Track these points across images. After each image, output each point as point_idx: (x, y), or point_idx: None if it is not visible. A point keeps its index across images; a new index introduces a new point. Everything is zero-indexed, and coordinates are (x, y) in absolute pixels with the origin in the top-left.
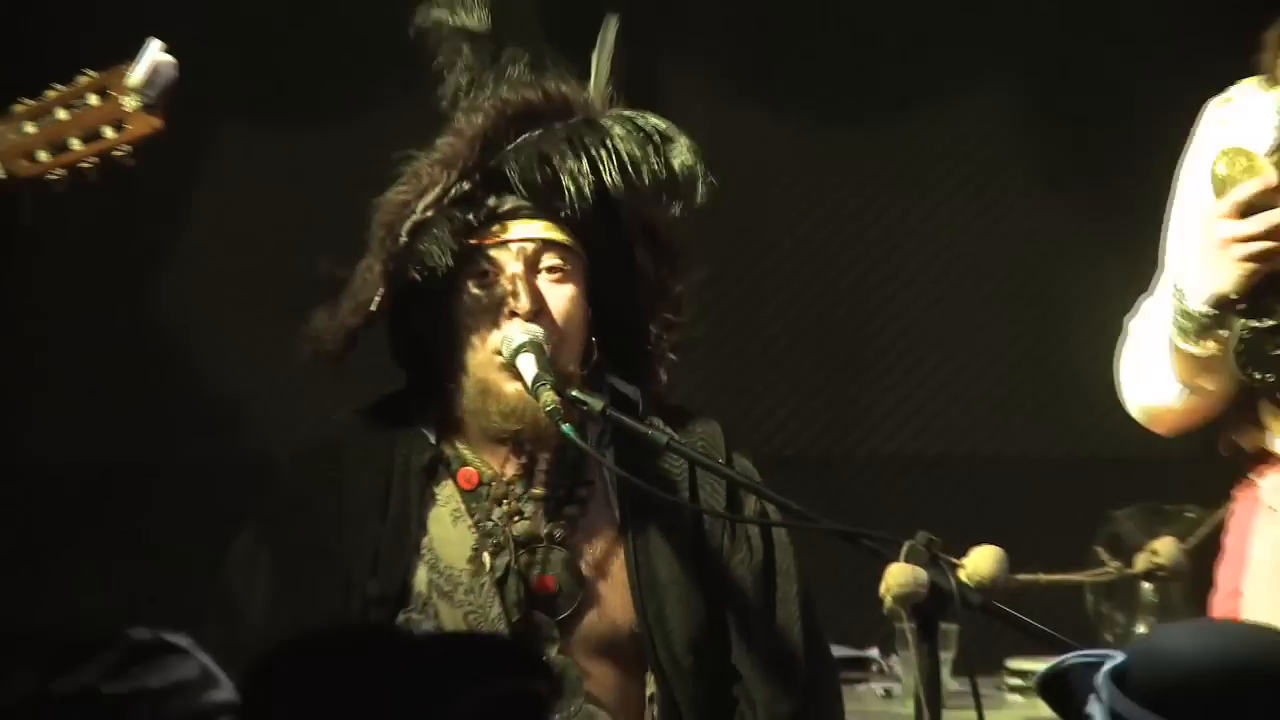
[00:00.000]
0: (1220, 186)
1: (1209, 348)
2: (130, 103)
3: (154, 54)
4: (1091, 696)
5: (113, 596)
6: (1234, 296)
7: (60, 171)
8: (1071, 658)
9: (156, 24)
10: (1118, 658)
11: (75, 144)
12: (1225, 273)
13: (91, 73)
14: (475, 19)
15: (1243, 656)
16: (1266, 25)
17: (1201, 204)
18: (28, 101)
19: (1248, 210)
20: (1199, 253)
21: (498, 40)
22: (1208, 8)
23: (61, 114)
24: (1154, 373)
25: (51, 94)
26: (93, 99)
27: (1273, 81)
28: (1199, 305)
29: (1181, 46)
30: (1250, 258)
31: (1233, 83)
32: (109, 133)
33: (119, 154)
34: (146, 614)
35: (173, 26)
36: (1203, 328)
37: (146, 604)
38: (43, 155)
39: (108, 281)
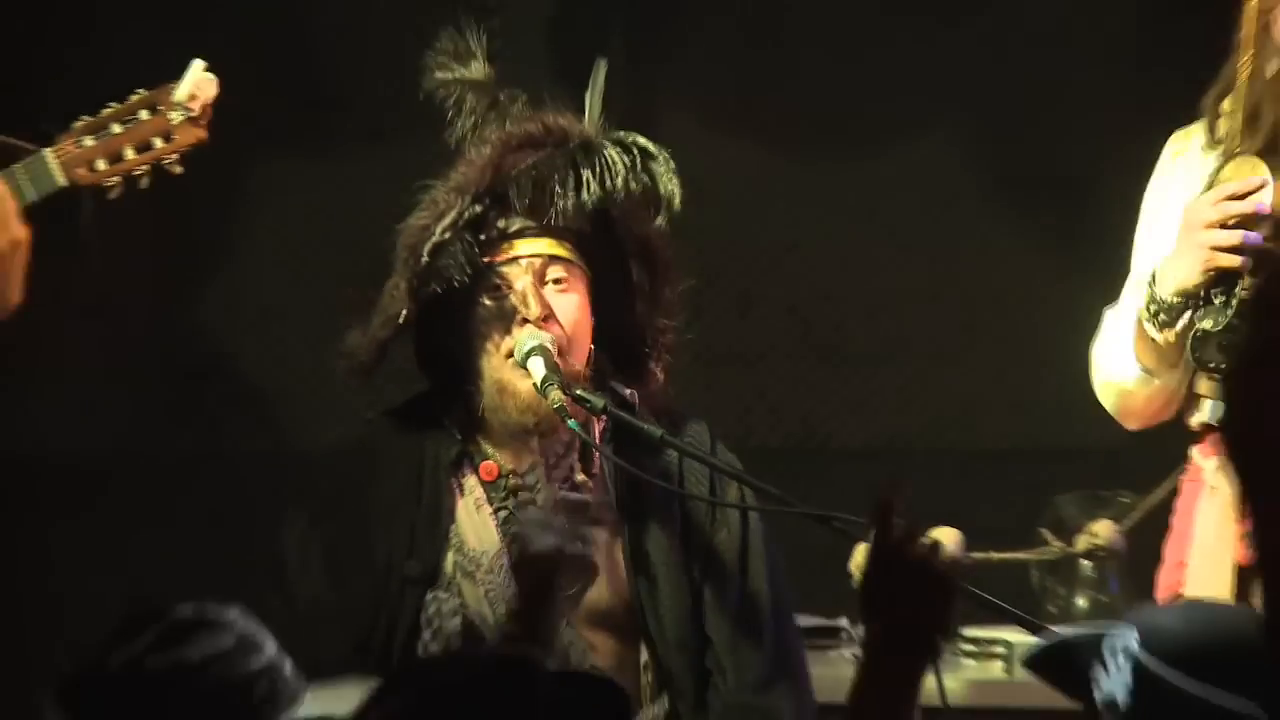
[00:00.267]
0: (1217, 185)
1: (1169, 336)
2: (177, 117)
3: (196, 73)
4: (1098, 667)
5: (156, 582)
6: (1198, 288)
7: (116, 179)
8: (1069, 635)
9: (200, 47)
10: (1119, 636)
11: (129, 154)
12: (1194, 264)
13: (142, 91)
14: (474, 70)
15: (1229, 631)
16: (1204, 67)
17: (1172, 211)
18: (87, 117)
19: (1230, 218)
20: (1175, 245)
21: (496, 85)
22: (1147, 54)
23: (116, 128)
24: (1119, 353)
25: (107, 110)
26: (144, 114)
27: (1212, 144)
28: (1167, 293)
29: (1121, 91)
30: (1219, 248)
31: (1170, 122)
32: (159, 144)
33: (168, 163)
34: (190, 595)
35: (215, 53)
36: (1168, 315)
37: (191, 588)
38: (100, 164)
39: (159, 285)
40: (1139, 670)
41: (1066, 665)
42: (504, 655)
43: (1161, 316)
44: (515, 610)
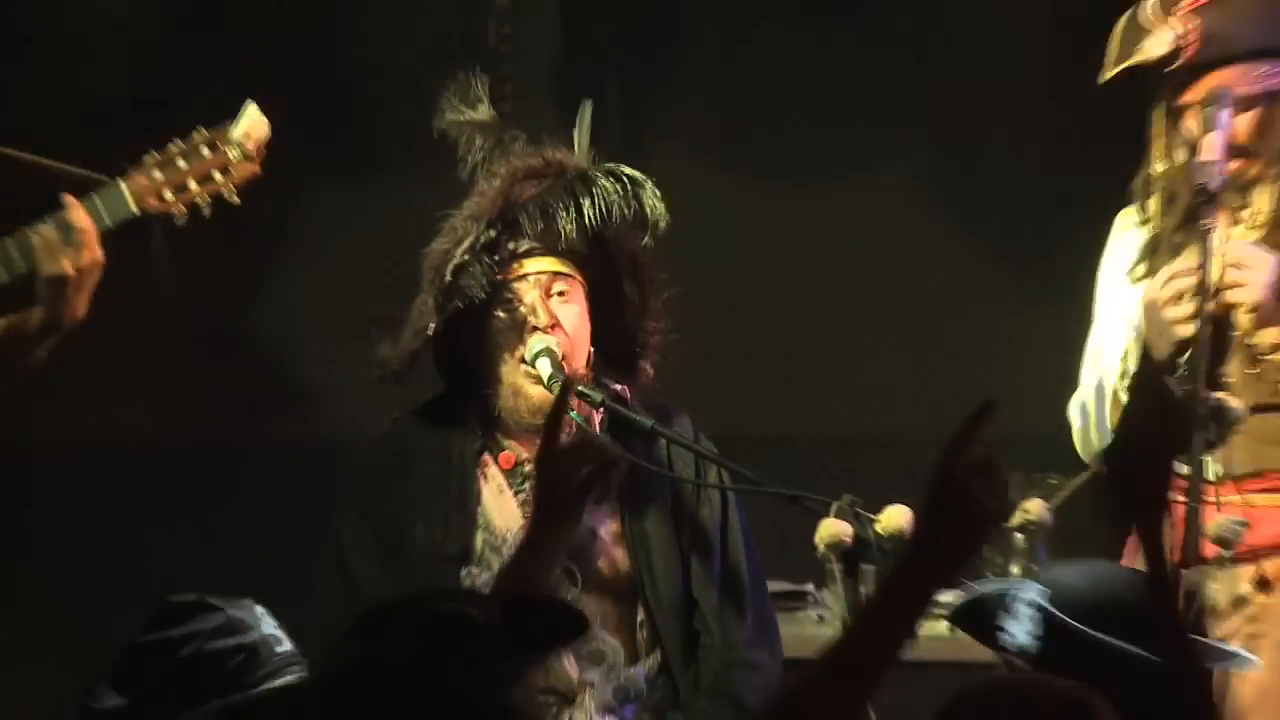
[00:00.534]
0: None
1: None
2: (234, 153)
3: (250, 114)
4: (1006, 618)
5: (205, 565)
6: (1169, 359)
7: (181, 208)
8: (983, 591)
9: (254, 89)
10: (1024, 591)
11: (192, 186)
12: (1160, 339)
13: (203, 129)
14: (480, 113)
15: (1120, 588)
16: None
17: (1130, 295)
18: (155, 153)
19: (1180, 294)
20: (1144, 325)
21: (499, 125)
22: (1094, 100)
23: (181, 163)
24: (1096, 418)
25: (173, 147)
26: (205, 151)
27: (1143, 219)
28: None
29: (1062, 130)
30: (1177, 320)
31: (1113, 165)
32: (218, 177)
33: (226, 194)
34: (229, 580)
35: (266, 94)
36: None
37: (231, 573)
38: (168, 195)
39: (217, 294)
40: (1047, 621)
41: (983, 619)
42: (448, 606)
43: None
44: (529, 529)
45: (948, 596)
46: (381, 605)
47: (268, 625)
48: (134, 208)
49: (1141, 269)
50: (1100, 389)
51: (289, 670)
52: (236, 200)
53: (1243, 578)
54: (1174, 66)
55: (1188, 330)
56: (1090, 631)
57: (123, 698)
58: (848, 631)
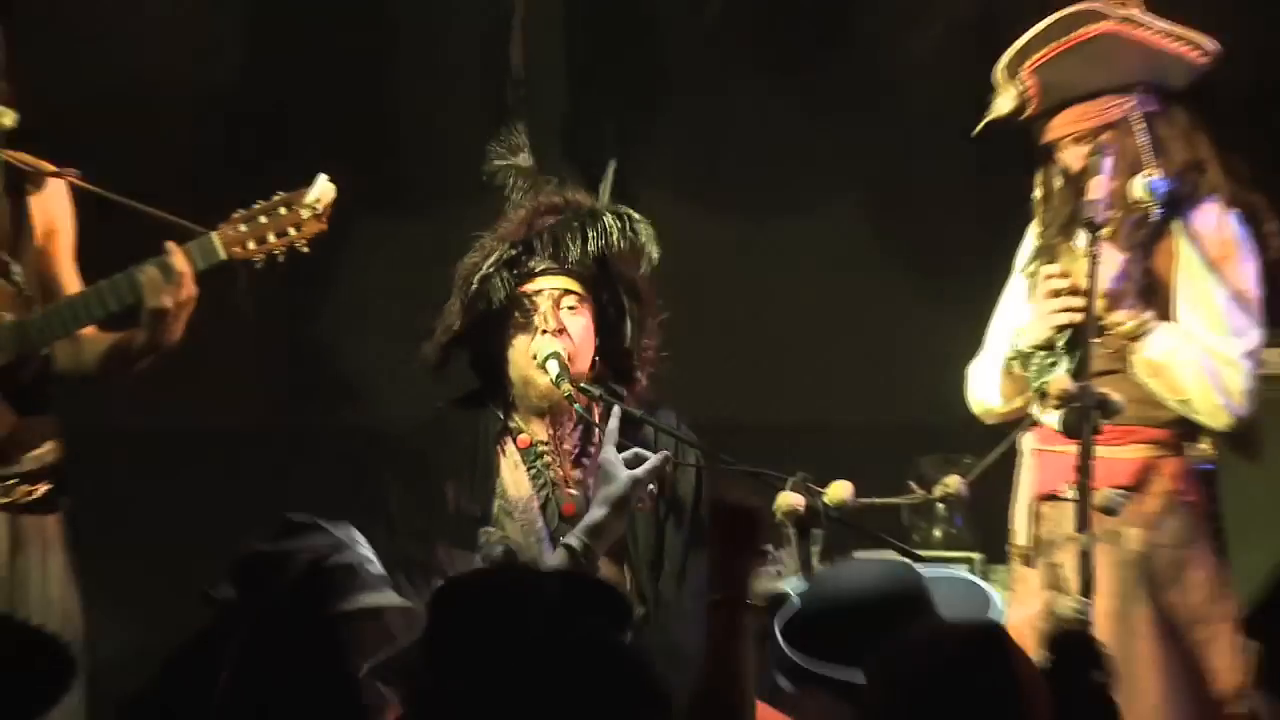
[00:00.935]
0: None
1: (1020, 373)
2: (306, 214)
3: (321, 183)
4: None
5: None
6: (1047, 341)
7: (261, 256)
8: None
9: (324, 143)
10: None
11: (271, 238)
12: (1041, 326)
13: (281, 193)
14: (522, 159)
15: (844, 601)
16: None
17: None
18: (242, 210)
19: (1055, 293)
20: (1030, 314)
21: (535, 170)
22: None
23: (263, 219)
24: (989, 385)
25: (257, 206)
26: (282, 210)
27: (1038, 231)
28: (1026, 345)
29: (973, 171)
30: (1055, 312)
31: (1014, 200)
32: (292, 231)
33: (298, 245)
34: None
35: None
36: (1023, 361)
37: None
38: (251, 245)
39: (285, 305)
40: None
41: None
42: (518, 571)
43: (1019, 361)
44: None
45: (888, 555)
46: (465, 578)
47: (364, 548)
48: (223, 255)
49: (1031, 268)
50: (992, 358)
51: (380, 588)
52: (306, 250)
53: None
54: (1025, 116)
55: (1061, 321)
56: (808, 660)
57: (237, 593)
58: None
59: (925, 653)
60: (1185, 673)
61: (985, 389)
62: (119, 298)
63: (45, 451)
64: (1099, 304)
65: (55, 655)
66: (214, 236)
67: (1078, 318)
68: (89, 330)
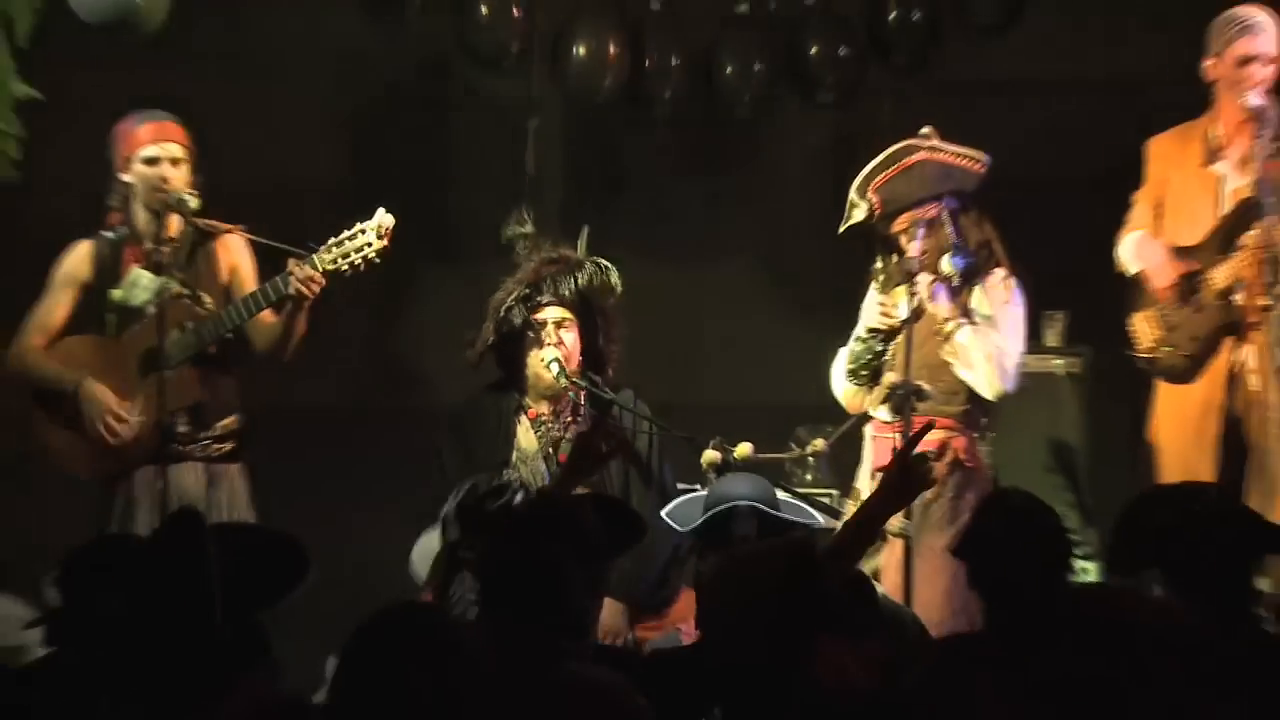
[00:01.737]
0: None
1: (862, 369)
2: (373, 235)
3: (382, 213)
4: (734, 523)
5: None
6: (872, 333)
7: (347, 269)
8: (711, 513)
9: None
10: (737, 504)
11: (353, 256)
12: (872, 321)
13: (358, 224)
14: (529, 229)
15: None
16: None
17: (871, 308)
18: (334, 238)
19: (886, 311)
20: (868, 320)
21: (538, 236)
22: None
23: (346, 242)
24: (844, 377)
25: (344, 233)
26: (358, 235)
27: (879, 279)
28: (863, 331)
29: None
30: (882, 316)
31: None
32: (366, 249)
33: (374, 258)
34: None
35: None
36: (860, 341)
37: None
38: (340, 262)
39: (370, 318)
40: (761, 513)
41: (722, 527)
42: (551, 501)
43: (859, 346)
44: (563, 472)
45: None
46: (534, 503)
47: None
48: (320, 269)
49: (878, 297)
50: (844, 352)
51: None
52: (379, 263)
53: None
54: (875, 219)
55: (883, 324)
56: (783, 517)
57: (460, 530)
58: (845, 530)
59: (752, 555)
60: (958, 574)
61: (838, 384)
62: (266, 297)
63: (230, 421)
64: (939, 314)
65: (295, 552)
66: (314, 257)
67: (894, 324)
68: (265, 317)
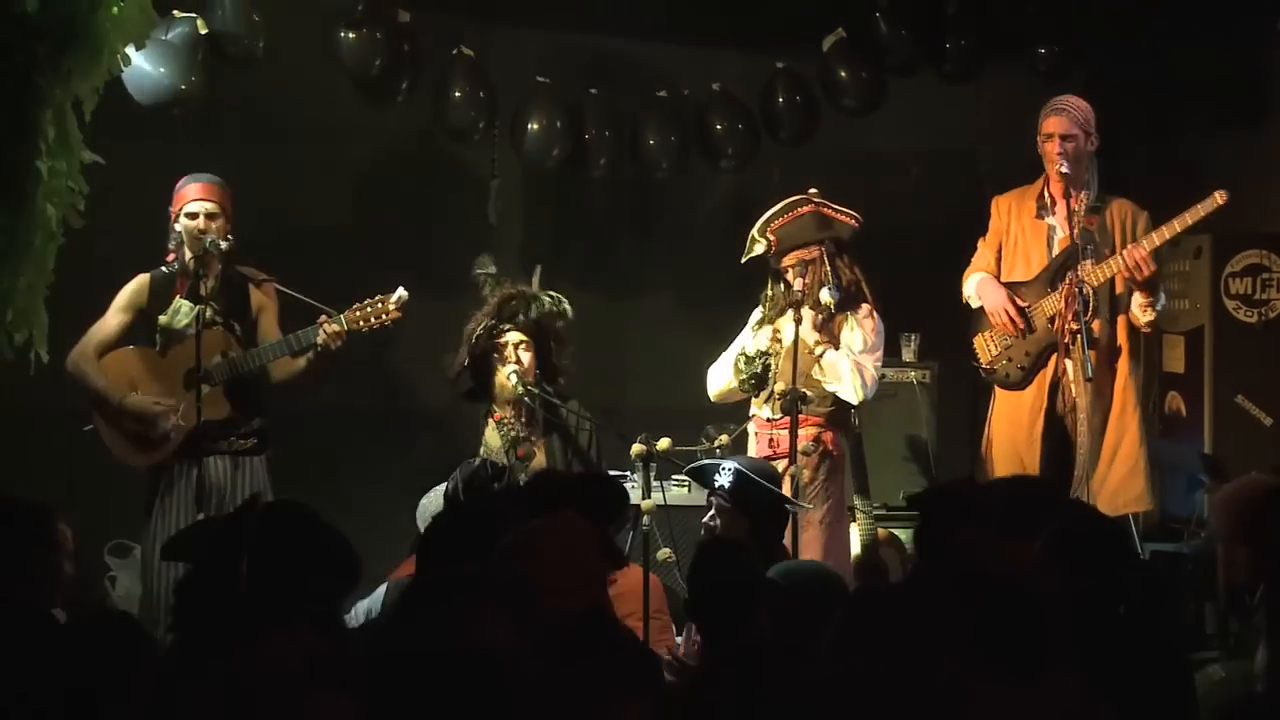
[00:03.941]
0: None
1: (743, 373)
2: (392, 307)
3: (400, 290)
4: (716, 475)
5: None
6: (759, 354)
7: (366, 328)
8: (701, 463)
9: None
10: (726, 462)
11: (372, 320)
12: (762, 345)
13: (379, 295)
14: (493, 269)
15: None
16: None
17: (749, 333)
18: (357, 304)
19: (774, 335)
20: (756, 339)
21: (499, 276)
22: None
23: (368, 309)
24: (722, 380)
25: (366, 301)
26: (379, 305)
27: (765, 308)
28: (752, 352)
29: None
30: (773, 339)
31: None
32: (384, 316)
33: (388, 323)
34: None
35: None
36: (747, 366)
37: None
38: (361, 324)
39: (379, 351)
40: (740, 473)
41: (703, 475)
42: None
43: (745, 362)
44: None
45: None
46: (541, 479)
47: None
48: (347, 326)
49: (758, 326)
50: (724, 363)
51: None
52: (390, 326)
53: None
54: (771, 254)
55: (768, 347)
56: (761, 479)
57: (469, 500)
58: None
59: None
60: (829, 543)
61: (717, 384)
62: (295, 344)
63: (254, 423)
64: (809, 341)
65: (348, 553)
66: (342, 316)
67: (782, 347)
68: (285, 360)
